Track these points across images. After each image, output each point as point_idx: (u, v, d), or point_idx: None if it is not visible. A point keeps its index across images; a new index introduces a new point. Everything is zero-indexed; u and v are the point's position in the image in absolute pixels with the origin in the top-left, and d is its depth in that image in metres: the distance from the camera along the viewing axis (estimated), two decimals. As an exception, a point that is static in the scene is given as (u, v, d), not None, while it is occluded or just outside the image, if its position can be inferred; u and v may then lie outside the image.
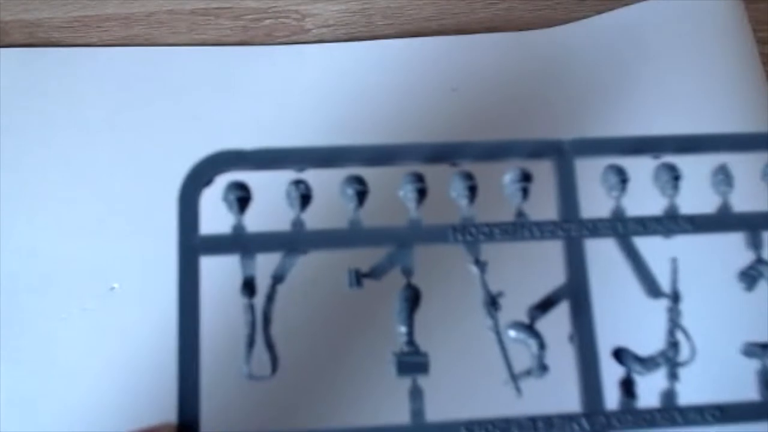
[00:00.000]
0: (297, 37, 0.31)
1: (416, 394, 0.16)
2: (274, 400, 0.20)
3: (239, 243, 0.17)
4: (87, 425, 0.27)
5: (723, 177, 0.18)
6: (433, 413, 0.16)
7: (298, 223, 0.17)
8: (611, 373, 0.17)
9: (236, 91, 0.34)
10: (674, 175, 0.18)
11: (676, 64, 0.35)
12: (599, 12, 0.37)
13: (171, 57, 0.36)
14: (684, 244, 0.18)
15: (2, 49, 0.36)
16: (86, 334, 0.30)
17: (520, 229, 0.18)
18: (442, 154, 0.18)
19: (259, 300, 0.17)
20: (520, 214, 0.18)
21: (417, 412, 0.16)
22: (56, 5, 0.37)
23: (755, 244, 0.18)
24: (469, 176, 0.18)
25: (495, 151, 0.18)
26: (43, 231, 0.32)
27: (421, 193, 0.18)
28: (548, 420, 0.17)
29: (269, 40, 0.36)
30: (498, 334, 0.17)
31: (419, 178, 0.18)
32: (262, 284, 0.17)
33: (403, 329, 0.17)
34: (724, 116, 0.33)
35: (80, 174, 0.32)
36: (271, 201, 0.18)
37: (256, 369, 0.16)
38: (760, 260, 0.18)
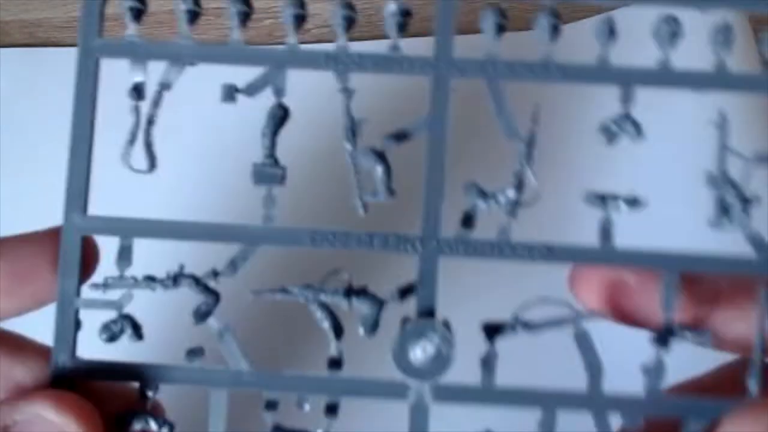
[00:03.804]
0: (297, 37, 0.31)
1: (269, 201, 0.19)
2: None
3: (133, 49, 0.19)
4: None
5: (606, 29, 0.18)
6: (285, 222, 0.19)
7: (185, 38, 0.19)
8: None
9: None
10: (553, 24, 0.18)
11: (676, 64, 0.33)
12: (599, 12, 0.34)
13: None
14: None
15: (2, 49, 0.36)
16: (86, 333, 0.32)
17: (391, 62, 0.19)
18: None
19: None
20: (395, 48, 0.19)
21: (269, 217, 0.19)
22: (56, 5, 0.37)
23: (625, 98, 0.19)
24: (349, 6, 0.19)
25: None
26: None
27: (299, 19, 0.19)
28: (384, 237, 0.18)
29: (269, 40, 0.35)
30: (353, 157, 0.19)
31: (301, 5, 0.19)
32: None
33: (266, 142, 0.19)
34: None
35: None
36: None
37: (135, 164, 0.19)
38: (626, 116, 0.19)
